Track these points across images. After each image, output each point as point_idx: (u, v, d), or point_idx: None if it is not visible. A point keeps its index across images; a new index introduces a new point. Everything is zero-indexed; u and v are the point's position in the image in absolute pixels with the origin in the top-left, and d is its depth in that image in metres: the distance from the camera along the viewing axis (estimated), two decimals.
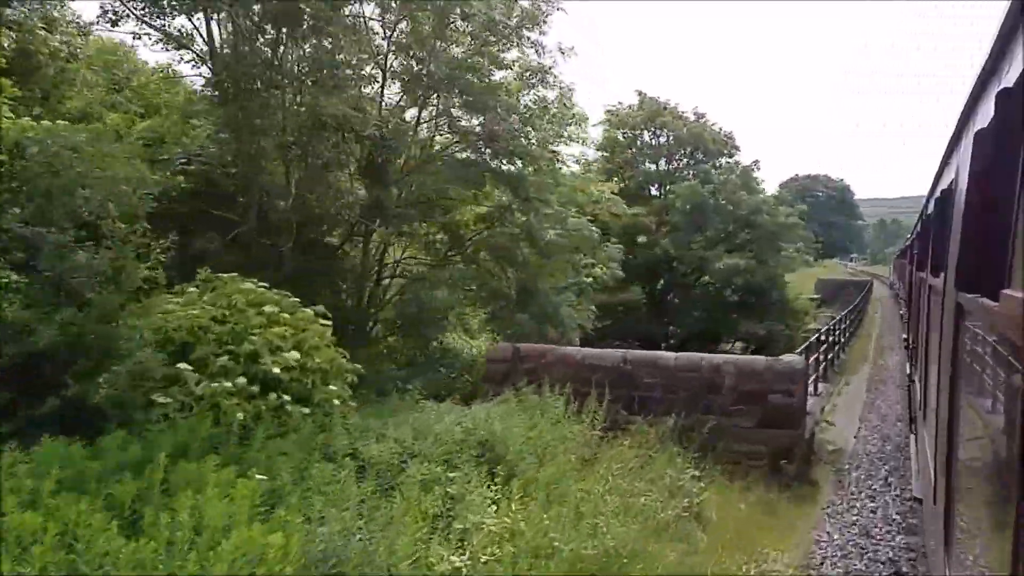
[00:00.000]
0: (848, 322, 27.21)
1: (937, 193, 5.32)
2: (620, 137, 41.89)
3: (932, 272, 5.31)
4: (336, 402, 8.14)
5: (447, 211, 16.63)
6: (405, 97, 15.66)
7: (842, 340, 23.43)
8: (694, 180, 38.44)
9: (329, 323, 8.95)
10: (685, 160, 42.43)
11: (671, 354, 10.62)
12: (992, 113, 2.27)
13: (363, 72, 14.71)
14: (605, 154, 41.08)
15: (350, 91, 13.67)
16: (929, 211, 6.51)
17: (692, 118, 41.81)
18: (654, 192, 41.81)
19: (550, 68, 16.44)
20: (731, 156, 42.57)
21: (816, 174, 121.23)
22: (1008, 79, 2.13)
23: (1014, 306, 1.70)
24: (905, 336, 16.33)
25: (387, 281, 16.10)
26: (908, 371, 13.34)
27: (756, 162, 43.30)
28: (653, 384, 10.10)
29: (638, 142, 42.31)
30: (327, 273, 14.72)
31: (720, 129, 42.69)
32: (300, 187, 13.33)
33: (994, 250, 2.19)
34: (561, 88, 17.30)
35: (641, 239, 36.48)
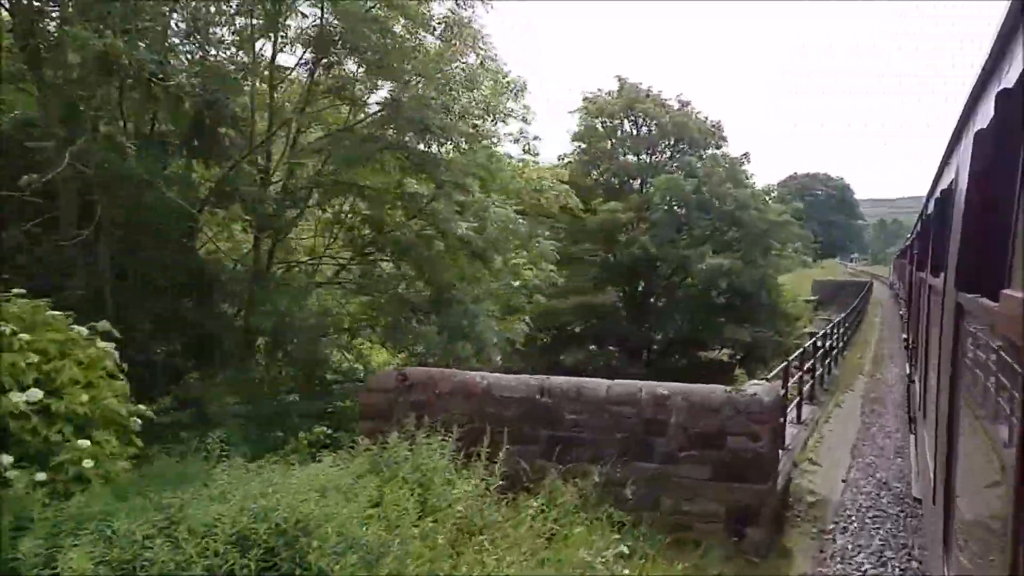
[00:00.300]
0: (843, 328, 24.29)
1: (937, 193, 5.33)
2: (599, 127, 38.85)
3: (932, 272, 5.32)
4: (88, 463, 5.60)
5: (367, 199, 14.03)
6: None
7: (836, 349, 20.51)
8: (677, 173, 36.13)
9: (111, 345, 6.42)
10: (668, 152, 39.29)
11: (603, 382, 8.14)
12: (992, 113, 2.27)
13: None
14: (582, 145, 38.57)
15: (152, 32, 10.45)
16: (929, 211, 6.52)
17: (676, 106, 38.74)
18: (636, 186, 39.33)
19: (469, 21, 13.36)
20: (718, 147, 39.22)
21: (815, 172, 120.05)
22: (1008, 79, 2.13)
23: (1014, 306, 1.71)
24: (905, 336, 16.33)
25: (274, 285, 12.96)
26: (908, 371, 13.36)
27: (746, 155, 39.27)
28: (579, 422, 7.86)
29: (618, 132, 39.14)
30: (178, 276, 11.64)
31: (706, 119, 39.58)
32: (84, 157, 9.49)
33: (994, 250, 2.20)
34: (486, 51, 14.07)
35: (622, 237, 34.68)
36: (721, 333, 33.92)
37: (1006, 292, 1.88)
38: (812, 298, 41.74)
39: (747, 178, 37.97)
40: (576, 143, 38.63)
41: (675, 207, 35.19)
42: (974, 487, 2.68)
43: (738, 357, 32.66)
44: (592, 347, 34.28)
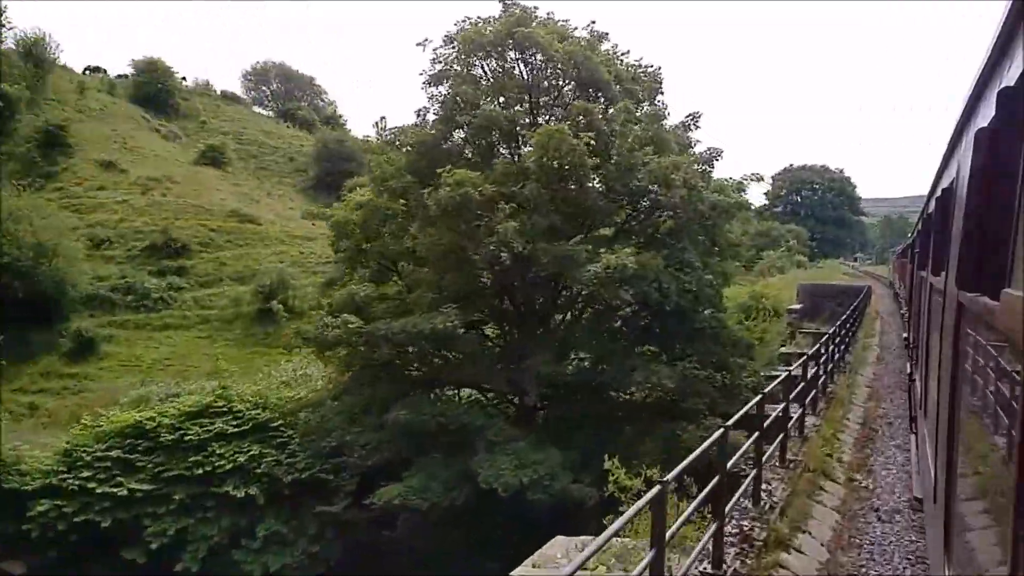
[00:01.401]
0: (825, 366, 15.34)
1: (938, 192, 5.35)
2: (480, 67, 26.47)
3: (933, 271, 5.33)
4: None
5: None
6: None
7: (802, 422, 12.05)
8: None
9: None
10: (567, 101, 26.27)
11: None
12: (993, 112, 2.28)
13: None
14: (440, 93, 26.02)
15: None
16: (930, 210, 6.53)
17: (584, 37, 26.71)
18: (513, 152, 26.75)
19: None
20: (652, 100, 27.57)
21: (812, 164, 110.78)
22: (1009, 78, 2.14)
23: (1015, 305, 1.71)
24: (905, 336, 16.35)
25: None
26: (909, 370, 13.43)
27: (694, 115, 27.38)
28: None
29: (488, 72, 26.54)
30: None
31: (638, 62, 27.97)
32: None
33: (995, 249, 2.20)
34: None
35: (480, 226, 23.01)
36: (632, 373, 22.79)
37: (1007, 291, 1.89)
38: (794, 308, 33.41)
39: (689, 144, 26.79)
40: (432, 90, 26.21)
41: (565, 177, 23.18)
42: (975, 486, 2.69)
43: (672, 399, 23.27)
44: (448, 392, 25.41)
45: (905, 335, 17.02)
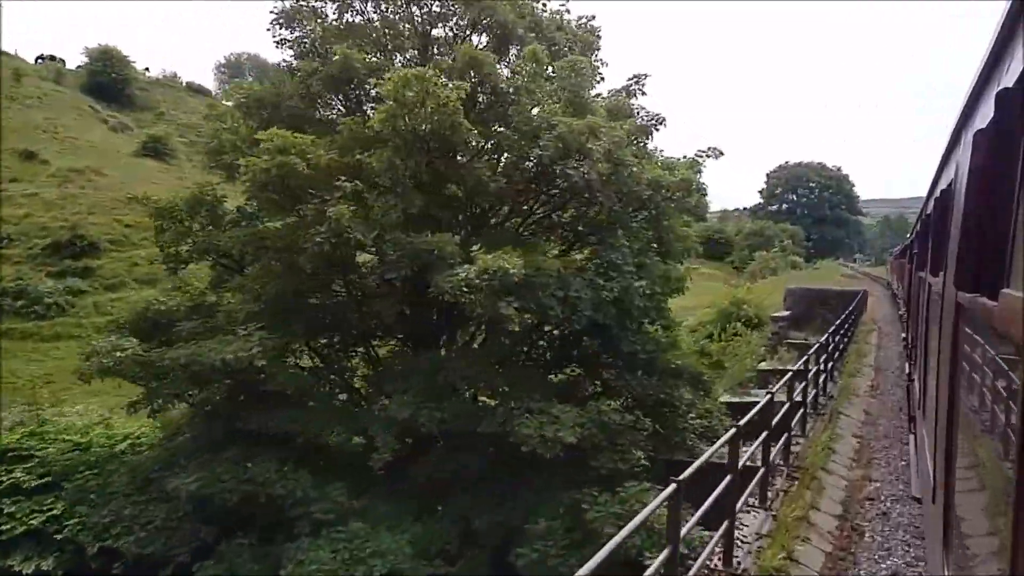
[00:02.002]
0: (808, 396, 13.07)
1: (937, 192, 5.37)
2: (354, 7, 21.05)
3: (932, 271, 5.36)
4: None
5: None
6: None
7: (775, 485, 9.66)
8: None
9: None
10: (447, 39, 21.08)
11: None
12: (992, 112, 2.29)
13: None
14: (286, 36, 20.37)
15: None
16: (929, 211, 6.56)
17: None
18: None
19: None
20: (587, 53, 21.25)
21: (808, 161, 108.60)
22: (1008, 78, 2.15)
23: (1014, 305, 1.73)
24: (905, 335, 16.34)
25: None
26: (908, 370, 13.39)
27: (639, 78, 20.77)
28: None
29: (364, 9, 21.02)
30: None
31: (562, 7, 22.26)
32: None
33: (994, 249, 2.22)
34: None
35: (309, 210, 17.23)
36: (522, 419, 15.78)
37: (1006, 291, 1.91)
38: (782, 315, 30.30)
39: (628, 109, 20.26)
40: (284, 33, 20.37)
41: (440, 145, 17.10)
42: (974, 486, 2.70)
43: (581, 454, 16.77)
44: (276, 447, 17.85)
45: (904, 335, 16.85)
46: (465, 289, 14.89)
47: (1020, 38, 2.06)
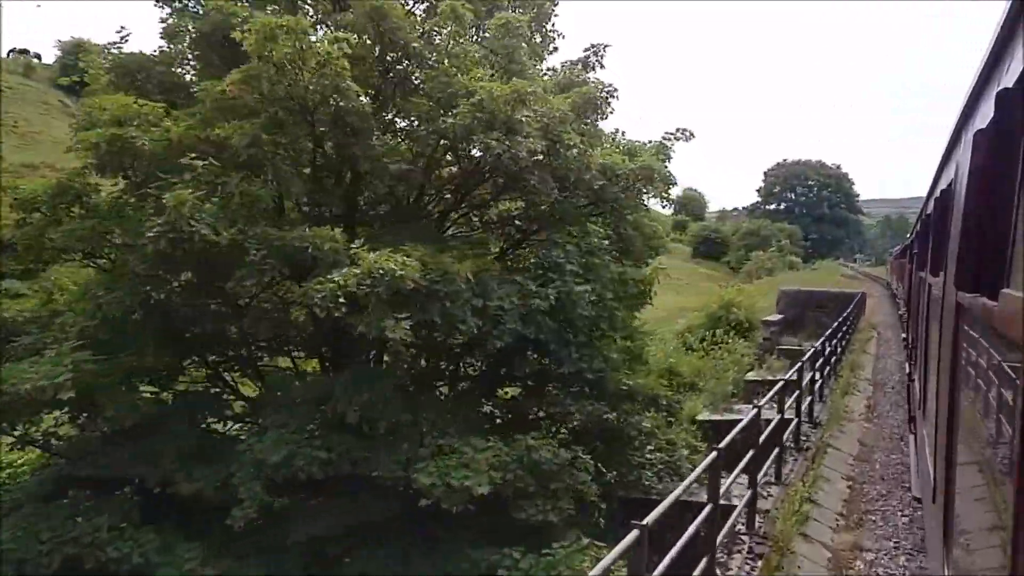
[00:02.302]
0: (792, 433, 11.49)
1: (937, 192, 5.39)
2: None
3: (932, 271, 5.37)
4: None
5: None
6: None
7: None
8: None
9: None
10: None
11: None
12: (992, 112, 2.30)
13: None
14: None
15: None
16: (929, 211, 6.57)
17: None
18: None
19: None
20: (539, 27, 18.08)
21: (807, 159, 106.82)
22: (1008, 78, 2.15)
23: (1014, 305, 1.73)
24: (905, 335, 16.33)
25: None
26: (908, 370, 13.38)
27: (596, 48, 17.88)
28: None
29: None
30: None
31: None
32: None
33: (994, 249, 2.22)
34: None
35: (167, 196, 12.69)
36: (426, 462, 12.74)
37: (1006, 291, 1.91)
38: (773, 319, 28.13)
39: (580, 76, 17.33)
40: None
41: (308, 110, 13.74)
42: (974, 486, 2.70)
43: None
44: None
45: (904, 335, 16.74)
46: (342, 300, 11.27)
47: (1020, 38, 2.08)
